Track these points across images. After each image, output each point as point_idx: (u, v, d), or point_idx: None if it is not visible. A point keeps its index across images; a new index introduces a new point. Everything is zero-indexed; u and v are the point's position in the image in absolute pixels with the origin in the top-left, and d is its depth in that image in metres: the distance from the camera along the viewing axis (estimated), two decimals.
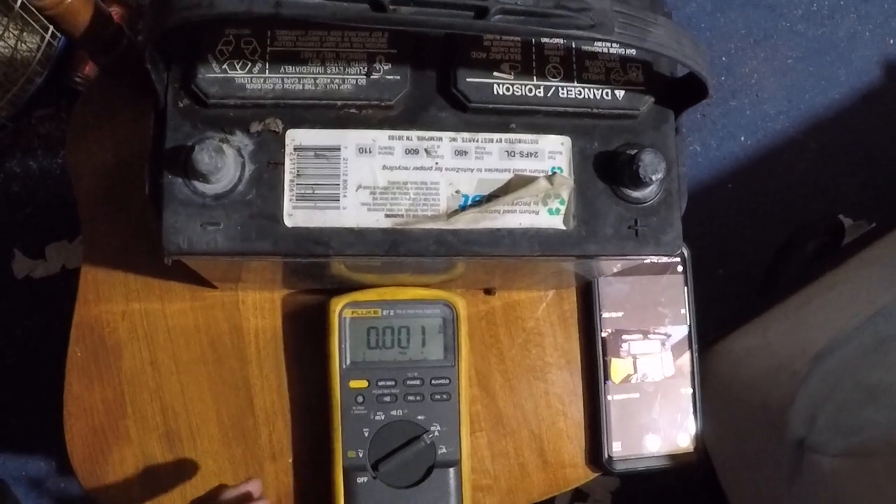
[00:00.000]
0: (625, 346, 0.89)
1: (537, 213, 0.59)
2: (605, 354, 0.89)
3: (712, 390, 1.18)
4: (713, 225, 1.77)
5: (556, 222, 0.60)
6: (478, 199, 0.59)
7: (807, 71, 1.89)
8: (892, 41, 1.91)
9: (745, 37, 1.89)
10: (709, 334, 1.30)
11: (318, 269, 0.70)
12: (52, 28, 1.57)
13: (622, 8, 0.50)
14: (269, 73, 0.58)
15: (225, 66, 0.58)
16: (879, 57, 1.91)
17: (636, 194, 0.61)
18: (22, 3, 1.51)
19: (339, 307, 0.81)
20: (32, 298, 1.64)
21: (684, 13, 1.87)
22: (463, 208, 0.59)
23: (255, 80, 0.58)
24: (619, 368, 0.89)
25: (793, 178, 1.83)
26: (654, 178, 0.58)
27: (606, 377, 0.88)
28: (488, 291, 0.88)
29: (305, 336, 0.85)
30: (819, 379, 1.06)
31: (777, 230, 1.79)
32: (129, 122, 0.87)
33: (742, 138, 1.84)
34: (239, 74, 0.58)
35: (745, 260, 1.79)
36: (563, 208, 0.60)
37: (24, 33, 1.58)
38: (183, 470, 0.84)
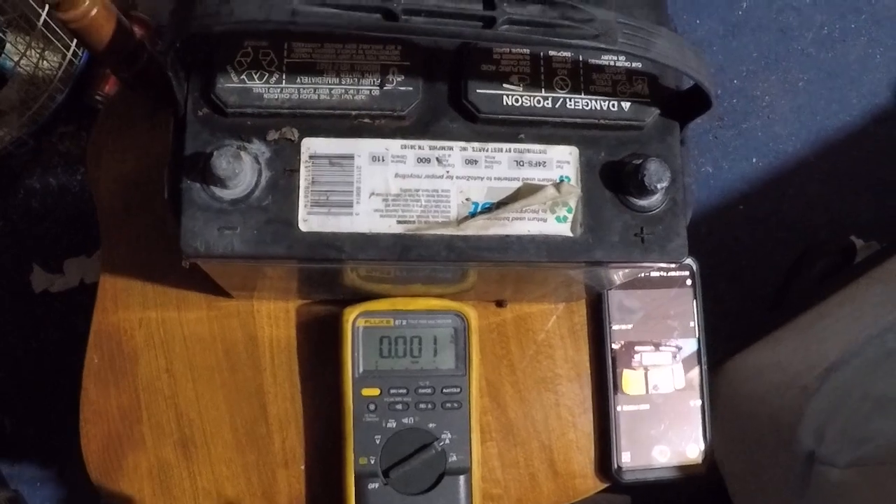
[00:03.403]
0: (637, 357, 0.90)
1: (545, 220, 0.61)
2: (616, 366, 0.90)
3: (723, 406, 1.19)
4: (724, 245, 1.78)
5: (564, 229, 0.61)
6: (487, 206, 0.60)
7: (818, 94, 1.90)
8: None
9: (757, 60, 1.91)
10: (719, 352, 1.31)
11: (331, 277, 0.72)
12: (73, 46, 1.59)
13: (626, 20, 0.52)
14: (286, 83, 0.60)
15: (243, 76, 0.60)
16: (890, 80, 1.92)
17: (642, 203, 0.62)
18: (45, 21, 1.53)
19: (353, 317, 0.82)
20: (50, 312, 1.66)
21: (696, 37, 1.89)
22: (473, 215, 0.60)
23: (272, 90, 0.60)
24: (630, 380, 0.90)
25: (804, 199, 1.84)
26: (659, 186, 0.59)
27: (617, 388, 0.89)
28: (499, 303, 0.89)
29: (319, 345, 0.86)
30: (828, 393, 1.06)
31: (788, 251, 1.80)
32: (147, 135, 0.89)
33: (754, 160, 1.85)
34: (257, 85, 0.60)
35: (756, 280, 1.80)
36: (570, 216, 0.61)
37: (47, 51, 1.61)
38: (196, 476, 0.85)
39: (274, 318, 0.87)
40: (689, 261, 0.92)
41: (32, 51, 1.60)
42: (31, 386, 1.65)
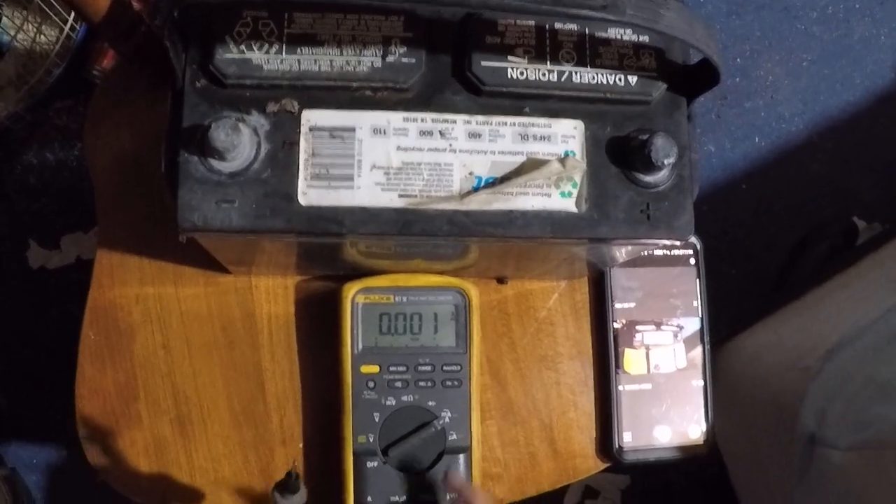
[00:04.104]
0: (638, 336, 0.90)
1: (549, 195, 0.60)
2: (617, 345, 0.89)
3: (724, 387, 1.18)
4: (727, 225, 1.77)
5: (569, 205, 0.60)
6: (491, 180, 0.59)
7: (821, 73, 1.89)
8: None
9: (761, 39, 1.89)
10: (721, 332, 1.30)
11: (330, 252, 0.71)
12: (70, 20, 1.58)
13: None
14: (286, 54, 0.59)
15: (242, 47, 0.58)
16: (894, 60, 1.91)
17: (648, 178, 0.61)
18: None
19: (352, 293, 0.81)
20: (47, 289, 1.66)
21: (700, 15, 1.87)
22: (476, 189, 0.59)
23: (271, 61, 0.58)
24: (632, 359, 0.89)
25: (806, 179, 1.83)
26: (666, 162, 0.58)
27: (619, 367, 0.89)
28: (501, 280, 0.89)
29: (318, 322, 0.86)
30: (831, 374, 1.06)
31: (790, 231, 1.79)
32: (145, 109, 0.88)
33: (756, 140, 1.84)
34: (256, 55, 0.58)
35: (758, 260, 1.79)
36: (575, 191, 0.60)
37: (44, 25, 1.59)
38: (193, 454, 0.84)
39: (272, 294, 0.86)
40: (692, 239, 0.91)
41: (29, 24, 1.59)
42: (28, 363, 1.64)
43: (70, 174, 1.69)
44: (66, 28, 1.59)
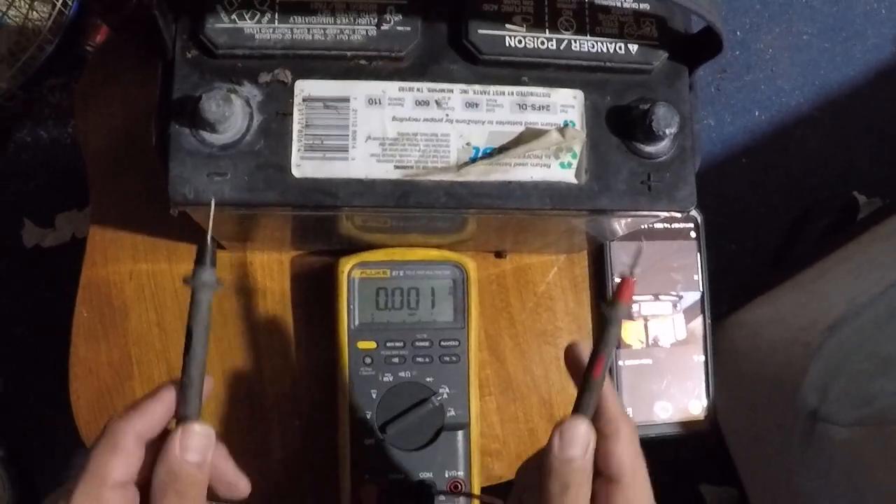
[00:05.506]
0: (635, 306, 0.88)
1: (549, 166, 0.59)
2: None
3: (725, 362, 1.17)
4: (726, 199, 1.77)
5: (568, 176, 0.59)
6: (489, 151, 0.58)
7: (822, 47, 1.88)
8: None
9: (761, 12, 1.88)
10: (721, 308, 1.29)
11: (326, 226, 0.70)
12: None
13: None
14: (279, 23, 0.58)
15: (234, 16, 0.57)
16: (895, 34, 1.89)
17: (649, 149, 0.60)
18: None
19: (348, 267, 0.80)
20: (42, 267, 1.65)
21: None
22: (473, 160, 0.58)
23: (264, 30, 0.57)
24: (629, 331, 0.88)
25: (806, 153, 1.82)
26: (667, 132, 0.57)
27: (618, 341, 0.88)
28: (499, 254, 0.88)
29: (314, 298, 0.85)
30: (832, 350, 1.05)
31: (790, 205, 1.78)
32: (137, 84, 0.87)
33: (756, 113, 1.83)
34: (248, 24, 0.57)
35: (758, 235, 1.78)
36: (574, 162, 0.59)
37: (36, 1, 1.58)
38: None
39: (268, 269, 0.85)
40: (693, 212, 0.90)
41: (21, 0, 1.57)
42: (23, 343, 1.63)
43: (64, 152, 1.68)
44: (59, 3, 1.57)
